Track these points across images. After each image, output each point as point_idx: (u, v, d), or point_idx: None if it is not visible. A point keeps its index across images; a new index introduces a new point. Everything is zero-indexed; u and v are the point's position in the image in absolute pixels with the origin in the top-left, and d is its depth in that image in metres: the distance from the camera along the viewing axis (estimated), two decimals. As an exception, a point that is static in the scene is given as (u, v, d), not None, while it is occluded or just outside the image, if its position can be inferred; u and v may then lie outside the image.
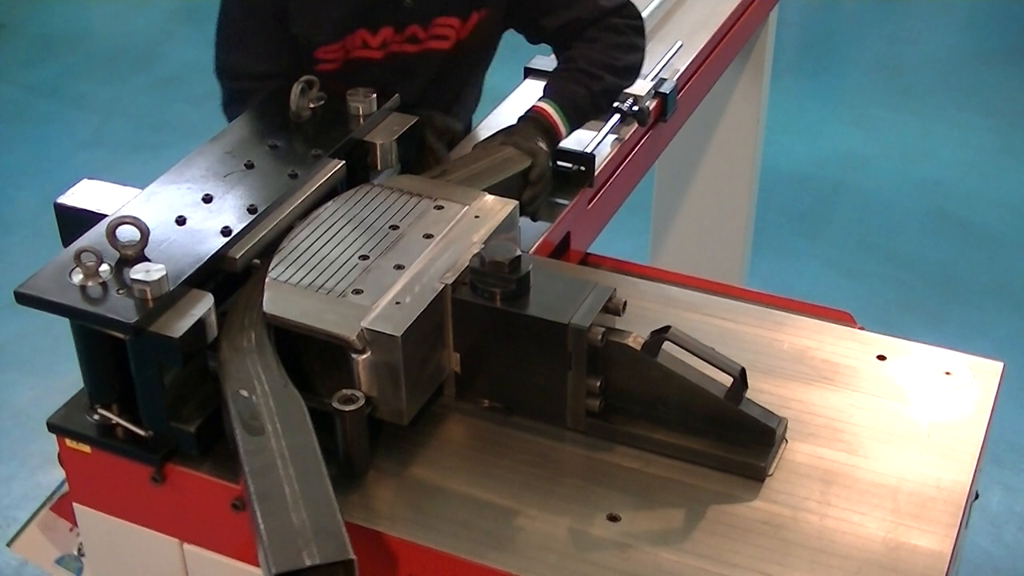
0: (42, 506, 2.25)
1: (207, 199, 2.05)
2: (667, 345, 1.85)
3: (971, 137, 5.87)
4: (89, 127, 5.98)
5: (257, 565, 1.89)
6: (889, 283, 4.86)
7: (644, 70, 2.81)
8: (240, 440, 1.73)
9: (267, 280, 1.95)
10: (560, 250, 2.44)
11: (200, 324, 1.82)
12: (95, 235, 1.94)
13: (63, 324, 1.93)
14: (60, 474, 2.11)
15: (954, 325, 4.44)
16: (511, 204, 2.14)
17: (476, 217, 2.09)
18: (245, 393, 1.79)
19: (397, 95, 2.34)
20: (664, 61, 2.86)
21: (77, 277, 1.86)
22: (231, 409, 1.77)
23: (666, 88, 2.76)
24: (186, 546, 2.01)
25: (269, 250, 2.02)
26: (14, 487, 4.04)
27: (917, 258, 5.04)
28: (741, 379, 1.83)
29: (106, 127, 6.00)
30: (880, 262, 5.00)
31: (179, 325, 1.81)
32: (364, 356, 1.84)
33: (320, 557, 1.57)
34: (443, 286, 1.91)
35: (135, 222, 1.91)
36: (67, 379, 2.02)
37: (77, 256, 1.87)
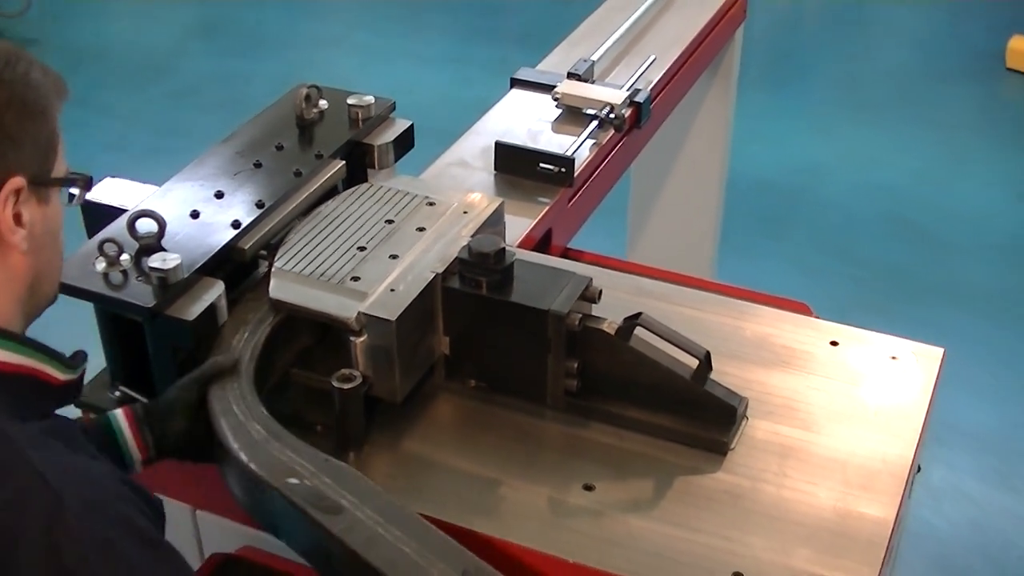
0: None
1: (219, 195, 2.06)
2: (639, 330, 1.86)
3: (922, 148, 5.88)
4: (113, 133, 5.97)
5: (264, 529, 1.91)
6: (845, 281, 4.87)
7: (620, 80, 2.83)
8: (326, 524, 1.58)
9: (274, 269, 1.96)
10: (542, 245, 2.45)
11: (211, 308, 1.84)
12: (117, 227, 1.95)
13: (86, 314, 1.94)
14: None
15: (903, 320, 4.45)
16: (497, 201, 2.15)
17: (465, 212, 2.10)
18: (295, 481, 1.64)
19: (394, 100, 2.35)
20: (639, 72, 2.87)
21: (100, 265, 1.87)
22: (296, 501, 1.61)
23: (640, 97, 2.76)
24: (198, 512, 2.02)
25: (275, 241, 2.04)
26: (40, 462, 4.02)
27: (871, 258, 5.05)
28: (706, 362, 1.84)
29: (128, 133, 6.00)
30: (837, 261, 5.01)
31: (192, 309, 1.82)
32: (361, 338, 1.85)
33: None
34: (434, 275, 1.92)
35: (153, 215, 1.92)
36: (91, 362, 2.03)
37: (100, 246, 1.88)
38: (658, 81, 2.94)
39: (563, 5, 6.10)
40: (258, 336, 1.88)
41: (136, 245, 1.90)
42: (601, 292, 1.93)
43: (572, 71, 2.81)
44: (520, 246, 2.32)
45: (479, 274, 1.90)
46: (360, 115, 2.28)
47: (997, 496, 3.83)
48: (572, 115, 2.71)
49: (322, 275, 1.94)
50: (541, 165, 2.51)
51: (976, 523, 3.72)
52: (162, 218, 1.92)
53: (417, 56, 6.70)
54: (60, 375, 1.55)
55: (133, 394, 1.95)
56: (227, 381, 1.80)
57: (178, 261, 1.83)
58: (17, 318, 1.54)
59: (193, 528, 2.03)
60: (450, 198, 2.14)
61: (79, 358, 1.60)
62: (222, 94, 6.29)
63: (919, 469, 1.96)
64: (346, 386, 1.82)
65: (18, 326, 1.55)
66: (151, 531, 1.45)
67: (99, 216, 2.05)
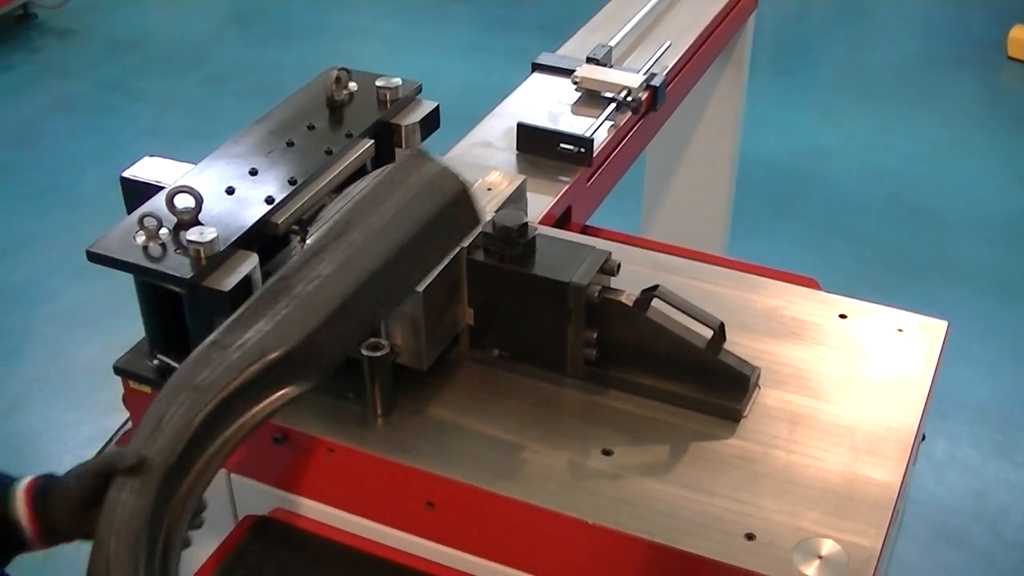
0: (110, 440, 2.26)
1: (253, 172, 2.06)
2: (656, 302, 1.85)
3: (923, 132, 5.85)
4: (148, 118, 5.98)
5: (296, 492, 1.91)
6: (850, 259, 4.86)
7: (637, 65, 2.81)
8: None
9: (305, 247, 1.95)
10: (562, 222, 2.44)
11: (247, 279, 1.84)
12: (156, 203, 1.95)
13: (125, 288, 1.94)
14: (121, 419, 2.12)
15: (906, 296, 4.43)
16: (519, 179, 2.14)
17: (488, 190, 2.09)
18: None
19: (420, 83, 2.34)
20: (655, 58, 2.85)
21: (140, 238, 1.87)
22: None
23: (656, 81, 2.75)
24: (233, 475, 2.02)
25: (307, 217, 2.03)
26: (82, 430, 4.05)
27: (875, 237, 5.04)
28: (720, 332, 1.83)
29: (163, 118, 6.01)
30: (843, 240, 5.00)
31: (228, 280, 1.82)
32: (390, 309, 1.84)
33: None
34: (459, 249, 1.91)
35: (191, 191, 1.92)
36: (127, 337, 2.04)
37: (140, 220, 1.88)
38: (673, 66, 2.92)
39: (580, -4, 6.08)
40: (192, 420, 1.50)
41: (174, 219, 1.90)
42: (619, 265, 1.92)
43: (591, 56, 2.79)
44: (541, 223, 2.31)
45: (502, 247, 1.89)
46: (388, 96, 2.28)
47: (996, 466, 3.82)
48: (591, 98, 2.70)
49: (352, 250, 1.93)
50: (561, 145, 2.50)
51: (975, 492, 3.72)
52: (199, 194, 1.92)
53: (441, 45, 6.68)
54: None
55: (171, 362, 1.95)
56: (128, 484, 1.45)
57: (215, 234, 1.83)
58: None
59: (228, 490, 2.03)
60: (474, 176, 2.13)
61: None
62: (254, 81, 6.29)
63: (923, 437, 1.95)
64: (375, 354, 1.82)
65: None
66: None
67: (138, 192, 2.05)
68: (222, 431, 1.53)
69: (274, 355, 1.54)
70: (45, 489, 1.52)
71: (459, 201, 1.69)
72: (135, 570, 1.36)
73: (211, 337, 1.56)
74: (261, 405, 1.55)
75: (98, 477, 1.47)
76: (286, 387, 1.56)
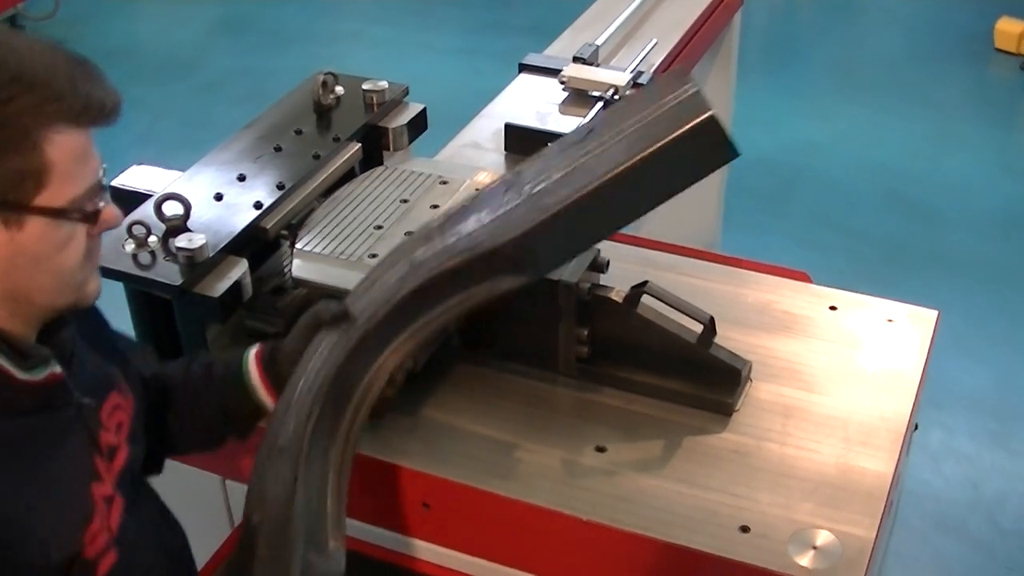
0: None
1: (241, 178, 2.06)
2: (646, 298, 1.85)
3: (914, 126, 5.85)
4: (142, 126, 5.97)
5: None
6: (844, 254, 4.85)
7: (624, 63, 2.81)
8: None
9: (295, 250, 1.95)
10: (552, 221, 2.43)
11: (237, 285, 1.84)
12: (144, 210, 1.95)
13: (118, 294, 1.93)
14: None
15: (900, 289, 4.36)
16: (507, 178, 2.13)
17: (476, 190, 2.08)
18: None
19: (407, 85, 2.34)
20: (642, 56, 2.85)
21: (129, 246, 1.87)
22: None
23: (643, 79, 2.74)
24: (228, 481, 2.01)
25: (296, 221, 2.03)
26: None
27: (868, 232, 5.03)
28: (711, 326, 1.83)
29: (156, 126, 5.99)
30: (836, 235, 4.99)
31: (218, 286, 1.82)
32: (380, 311, 1.84)
33: None
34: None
35: (179, 198, 1.92)
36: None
37: (129, 228, 1.88)
38: (660, 64, 2.92)
39: (569, -4, 6.08)
40: (400, 289, 1.61)
41: (163, 227, 1.90)
42: (609, 262, 1.91)
43: (577, 55, 2.79)
44: (530, 222, 2.30)
45: (492, 247, 1.88)
46: (375, 99, 2.28)
47: (991, 455, 3.81)
48: (578, 97, 2.69)
49: (342, 254, 1.93)
50: (549, 145, 2.49)
51: (972, 481, 3.71)
52: (188, 200, 1.92)
53: (431, 48, 6.68)
54: (18, 374, 1.36)
55: (164, 369, 1.94)
56: (327, 336, 1.60)
57: (204, 241, 1.83)
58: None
59: (223, 496, 2.03)
60: (462, 176, 2.13)
61: (36, 359, 1.38)
62: (246, 88, 6.28)
63: (916, 427, 1.94)
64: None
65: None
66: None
67: (127, 201, 2.05)
68: (430, 307, 1.62)
69: (487, 247, 1.60)
70: (272, 353, 1.65)
71: (703, 131, 1.54)
72: (310, 412, 1.51)
73: (437, 221, 1.65)
74: (470, 291, 1.63)
75: (310, 329, 1.61)
76: (497, 278, 1.62)
